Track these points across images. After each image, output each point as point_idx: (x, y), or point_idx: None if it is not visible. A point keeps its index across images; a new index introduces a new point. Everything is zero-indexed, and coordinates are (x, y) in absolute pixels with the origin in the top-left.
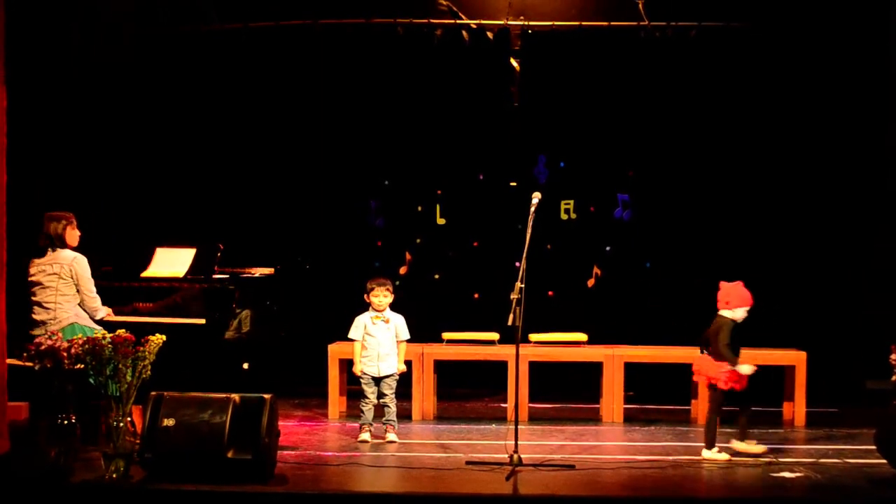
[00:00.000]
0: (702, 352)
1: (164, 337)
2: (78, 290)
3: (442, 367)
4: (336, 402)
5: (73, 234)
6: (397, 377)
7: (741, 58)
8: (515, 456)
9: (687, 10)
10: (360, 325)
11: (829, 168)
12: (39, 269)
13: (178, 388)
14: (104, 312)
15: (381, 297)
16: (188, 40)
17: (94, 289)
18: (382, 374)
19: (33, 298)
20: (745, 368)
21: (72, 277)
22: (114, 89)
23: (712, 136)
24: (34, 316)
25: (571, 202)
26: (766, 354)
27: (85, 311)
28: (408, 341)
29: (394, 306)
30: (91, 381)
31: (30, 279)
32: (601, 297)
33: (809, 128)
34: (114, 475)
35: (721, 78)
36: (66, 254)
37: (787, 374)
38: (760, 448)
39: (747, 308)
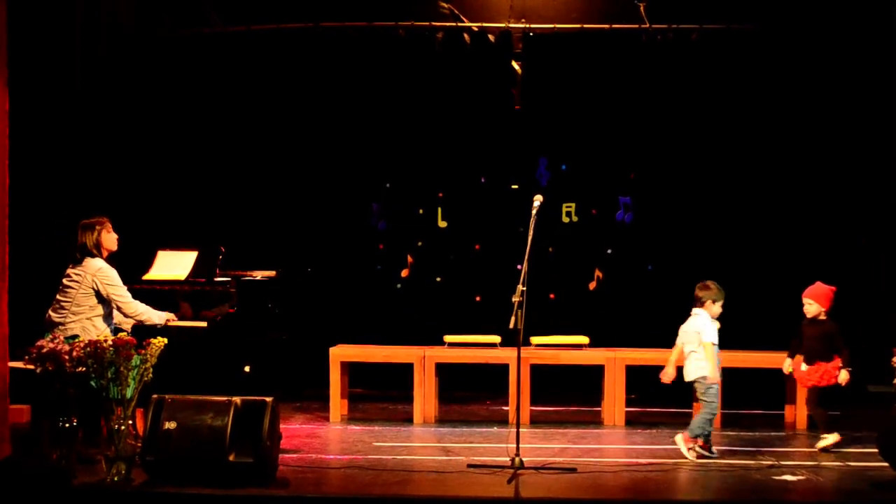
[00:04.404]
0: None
1: (165, 340)
2: (100, 302)
3: (443, 370)
4: (337, 405)
5: (109, 238)
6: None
7: (742, 60)
8: (517, 459)
9: (688, 12)
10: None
11: (832, 172)
12: (69, 273)
13: (179, 390)
14: (159, 318)
15: None
16: (190, 43)
17: (127, 294)
18: None
19: (57, 296)
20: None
21: (93, 288)
22: (116, 92)
23: (714, 139)
24: (52, 313)
25: (573, 205)
26: (768, 357)
27: (131, 318)
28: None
29: (394, 309)
30: (93, 384)
31: (62, 280)
32: (603, 299)
33: (811, 131)
34: (115, 478)
35: (722, 80)
36: (94, 264)
37: (788, 378)
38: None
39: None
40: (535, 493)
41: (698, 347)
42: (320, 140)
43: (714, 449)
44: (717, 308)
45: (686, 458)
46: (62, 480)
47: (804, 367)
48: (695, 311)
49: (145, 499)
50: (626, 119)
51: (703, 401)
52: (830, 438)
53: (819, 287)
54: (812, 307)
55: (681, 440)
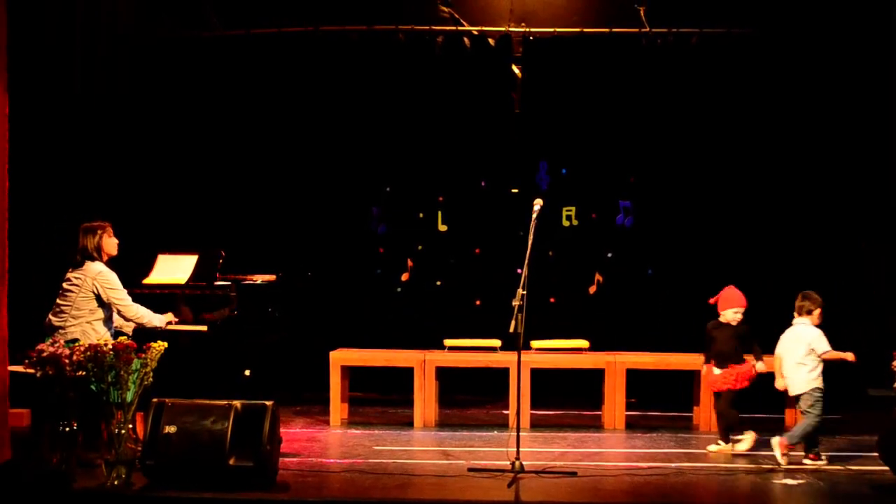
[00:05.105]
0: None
1: (165, 344)
2: (101, 305)
3: (444, 374)
4: (338, 408)
5: (110, 243)
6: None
7: (742, 64)
8: (517, 463)
9: (688, 16)
10: None
11: (832, 176)
12: (69, 276)
13: (179, 394)
14: (160, 320)
15: None
16: (190, 46)
17: (128, 298)
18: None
19: (57, 300)
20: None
21: (93, 292)
22: (116, 94)
23: (714, 143)
24: (52, 317)
25: (573, 208)
26: (768, 360)
27: (132, 321)
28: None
29: (394, 313)
30: (93, 387)
31: (62, 284)
32: (603, 303)
33: (811, 135)
34: (115, 482)
35: (722, 84)
36: (94, 267)
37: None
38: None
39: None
40: (536, 497)
41: (805, 359)
42: (320, 144)
43: (823, 455)
44: (818, 318)
45: (780, 464)
46: (62, 484)
47: (716, 370)
48: (798, 320)
49: (145, 503)
50: (626, 123)
51: (808, 412)
52: (747, 439)
53: (733, 291)
54: (738, 314)
55: (777, 444)
